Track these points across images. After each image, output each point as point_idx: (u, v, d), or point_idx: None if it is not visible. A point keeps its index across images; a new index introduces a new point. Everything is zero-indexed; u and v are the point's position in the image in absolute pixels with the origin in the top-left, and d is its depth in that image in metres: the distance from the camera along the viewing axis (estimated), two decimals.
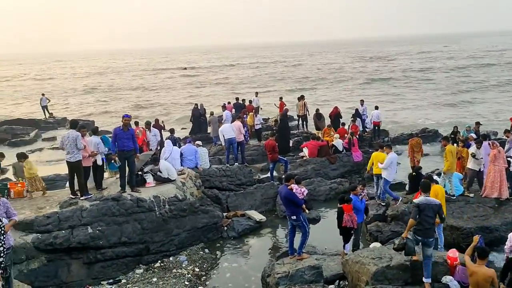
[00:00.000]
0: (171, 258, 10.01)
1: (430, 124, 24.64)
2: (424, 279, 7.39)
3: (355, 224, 9.05)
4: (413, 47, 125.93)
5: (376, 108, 20.53)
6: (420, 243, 7.46)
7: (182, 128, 26.43)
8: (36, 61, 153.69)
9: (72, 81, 66.63)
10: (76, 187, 10.00)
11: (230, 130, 15.15)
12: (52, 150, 22.01)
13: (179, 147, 13.79)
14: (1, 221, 5.08)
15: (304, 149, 16.68)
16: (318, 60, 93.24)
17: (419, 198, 7.55)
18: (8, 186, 10.97)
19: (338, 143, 16.38)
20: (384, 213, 11.25)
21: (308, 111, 22.00)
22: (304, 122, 22.24)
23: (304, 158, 16.30)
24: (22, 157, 11.18)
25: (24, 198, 10.86)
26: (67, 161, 9.83)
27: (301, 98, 22.06)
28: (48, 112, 30.82)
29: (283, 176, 14.35)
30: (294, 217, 8.55)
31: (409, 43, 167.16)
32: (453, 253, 7.76)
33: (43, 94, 31.52)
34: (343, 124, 18.73)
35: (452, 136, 17.18)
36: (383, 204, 11.75)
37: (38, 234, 8.75)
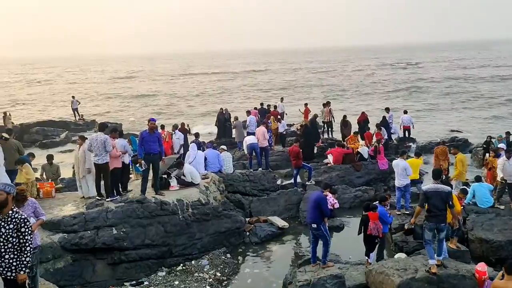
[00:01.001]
0: (193, 262, 10.04)
1: (463, 135, 23.84)
2: (429, 261, 7.57)
3: (380, 232, 8.86)
4: (444, 54, 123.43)
5: (405, 112, 20.34)
6: (434, 230, 7.56)
7: (208, 133, 26.65)
8: (66, 64, 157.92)
9: (102, 85, 68.22)
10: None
11: (252, 138, 15.53)
12: None
13: (203, 151, 13.90)
14: (29, 221, 5.21)
15: (328, 156, 16.53)
16: (348, 66, 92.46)
17: (428, 185, 7.53)
18: (38, 186, 11.26)
19: (364, 150, 16.17)
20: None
21: (333, 117, 21.82)
22: (329, 129, 22.06)
23: (329, 165, 16.15)
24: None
25: (53, 198, 11.14)
26: (94, 163, 10.06)
27: (327, 104, 21.91)
28: (79, 114, 31.61)
29: (307, 183, 14.31)
30: (315, 226, 8.41)
31: (439, 49, 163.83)
32: (481, 266, 7.51)
33: (73, 97, 32.34)
34: (368, 128, 18.50)
35: (484, 146, 16.72)
36: (407, 212, 11.50)
37: (65, 234, 8.95)
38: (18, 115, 36.12)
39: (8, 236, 5.04)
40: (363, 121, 19.74)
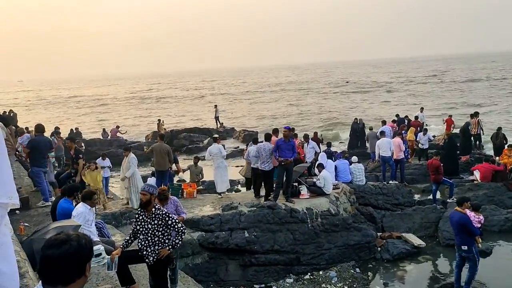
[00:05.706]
0: (320, 272, 9.92)
1: None
2: None
3: None
4: None
5: None
6: None
7: (340, 142, 26.30)
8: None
9: (233, 97, 72.11)
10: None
11: (386, 146, 14.70)
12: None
13: (334, 160, 13.74)
14: (171, 214, 5.82)
15: (475, 172, 14.88)
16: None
17: None
18: (182, 187, 12.40)
19: None
20: None
21: (482, 129, 19.66)
22: (477, 142, 19.91)
23: (475, 182, 14.52)
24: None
25: (194, 198, 12.14)
26: (261, 170, 10.75)
27: (475, 115, 19.84)
28: (220, 122, 33.98)
29: (448, 200, 13.08)
30: (465, 248, 7.76)
31: None
32: None
33: (215, 106, 34.92)
34: None
35: None
36: None
37: (203, 233, 9.65)
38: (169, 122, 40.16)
39: (155, 231, 5.67)
40: None
